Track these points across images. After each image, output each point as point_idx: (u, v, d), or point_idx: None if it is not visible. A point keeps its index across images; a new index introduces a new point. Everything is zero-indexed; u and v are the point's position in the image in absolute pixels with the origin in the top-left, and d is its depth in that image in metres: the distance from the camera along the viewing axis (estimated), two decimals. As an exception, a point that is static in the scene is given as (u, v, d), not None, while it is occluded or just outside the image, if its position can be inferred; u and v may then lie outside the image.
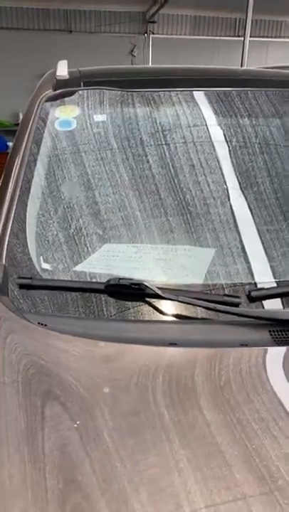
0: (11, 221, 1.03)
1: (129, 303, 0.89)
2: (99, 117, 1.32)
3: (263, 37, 8.39)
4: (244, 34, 4.42)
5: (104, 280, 0.93)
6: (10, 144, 6.06)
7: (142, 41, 8.51)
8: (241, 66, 4.63)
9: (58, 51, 8.20)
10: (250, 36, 8.86)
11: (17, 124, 8.45)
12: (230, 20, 8.81)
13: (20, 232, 1.02)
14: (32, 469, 0.55)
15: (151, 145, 1.24)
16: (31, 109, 1.35)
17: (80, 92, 1.39)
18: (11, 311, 0.83)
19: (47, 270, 0.98)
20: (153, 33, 8.51)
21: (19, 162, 1.16)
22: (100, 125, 1.29)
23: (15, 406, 0.64)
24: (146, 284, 0.85)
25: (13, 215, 1.04)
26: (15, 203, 1.06)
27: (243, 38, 8.62)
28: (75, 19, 8.19)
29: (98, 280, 0.95)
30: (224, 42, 8.85)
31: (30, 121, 1.28)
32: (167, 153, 1.21)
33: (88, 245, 1.03)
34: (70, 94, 1.39)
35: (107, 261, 1.03)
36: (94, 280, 0.95)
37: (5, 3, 7.70)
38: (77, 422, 0.61)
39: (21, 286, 0.92)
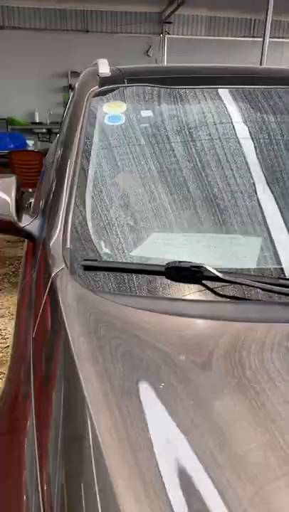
0: (72, 209, 1.10)
1: (188, 285, 0.95)
2: (145, 113, 1.38)
3: (278, 38, 8.42)
4: (263, 35, 4.46)
5: (161, 263, 1.00)
6: (29, 142, 6.16)
7: (157, 41, 8.58)
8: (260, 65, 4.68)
9: (74, 51, 8.34)
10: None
11: (33, 123, 8.47)
12: (245, 21, 8.86)
13: (81, 218, 1.09)
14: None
15: (196, 139, 1.30)
16: (80, 105, 1.42)
17: (125, 88, 1.46)
18: (83, 288, 0.90)
19: (107, 254, 1.04)
20: (168, 34, 8.58)
21: (74, 154, 1.22)
22: (147, 120, 1.36)
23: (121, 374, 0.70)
24: (206, 266, 0.91)
25: (73, 203, 1.11)
26: (74, 192, 1.13)
27: (262, 39, 8.71)
28: (92, 19, 8.28)
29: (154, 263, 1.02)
30: (239, 42, 8.89)
31: (81, 117, 1.35)
32: (211, 147, 1.27)
33: (142, 232, 1.09)
34: (116, 90, 1.45)
35: (160, 247, 1.09)
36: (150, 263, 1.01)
37: (23, 3, 7.83)
38: (162, 384, 0.67)
39: (86, 268, 0.98)
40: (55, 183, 1.22)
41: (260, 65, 4.67)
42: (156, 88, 1.44)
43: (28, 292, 1.10)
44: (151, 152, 1.24)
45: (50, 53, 8.19)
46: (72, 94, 2.06)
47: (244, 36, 8.97)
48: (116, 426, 0.61)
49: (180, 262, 0.94)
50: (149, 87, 1.45)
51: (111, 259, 1.02)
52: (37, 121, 8.38)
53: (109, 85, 1.48)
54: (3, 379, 1.18)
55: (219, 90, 1.43)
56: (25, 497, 0.63)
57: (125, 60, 8.08)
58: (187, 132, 1.33)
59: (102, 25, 8.36)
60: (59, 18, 8.16)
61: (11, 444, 0.74)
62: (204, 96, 1.41)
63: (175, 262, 0.94)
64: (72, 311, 0.83)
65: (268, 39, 4.47)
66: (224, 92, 1.42)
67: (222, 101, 1.40)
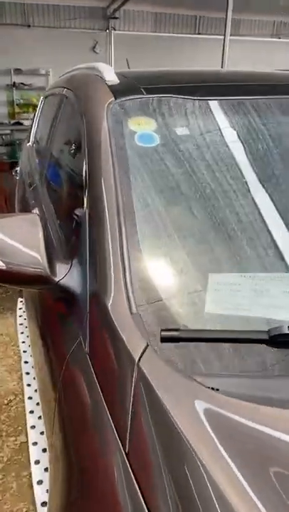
0: (126, 259, 0.87)
1: None
2: (181, 130, 1.18)
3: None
4: (224, 33, 4.38)
5: (255, 325, 0.82)
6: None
7: (103, 37, 8.29)
8: (222, 65, 4.60)
9: (16, 47, 7.83)
10: (209, 34, 8.92)
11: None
12: (190, 18, 8.82)
13: (141, 271, 0.87)
14: None
15: (246, 156, 1.12)
16: (97, 121, 1.18)
17: (148, 100, 1.24)
18: (174, 370, 0.69)
19: (182, 316, 0.84)
20: (114, 30, 8.32)
21: (112, 183, 0.99)
22: (186, 139, 1.16)
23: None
24: None
25: (126, 251, 0.89)
26: (124, 236, 0.91)
27: (208, 36, 8.71)
28: (33, 13, 7.82)
29: (243, 326, 0.83)
30: (185, 39, 8.84)
31: (105, 136, 1.12)
32: (269, 166, 1.10)
33: (221, 283, 0.89)
34: (137, 103, 1.23)
35: (230, 298, 0.90)
36: (244, 327, 0.82)
37: None
38: None
39: (164, 339, 0.77)
40: (90, 223, 0.98)
41: (222, 63, 4.58)
42: (185, 100, 1.24)
43: (77, 374, 0.85)
44: (200, 178, 1.04)
45: (-11, 49, 7.64)
46: (62, 103, 1.80)
47: (190, 33, 8.93)
48: None
49: None
50: (177, 99, 1.24)
51: (190, 325, 0.82)
52: (-21, 122, 7.81)
53: (126, 96, 1.25)
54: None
55: (263, 101, 1.25)
56: None
57: (72, 56, 7.76)
58: (230, 150, 1.14)
59: (44, 20, 7.93)
60: (-3, 11, 7.63)
61: None
62: (241, 108, 1.24)
63: (281, 327, 0.76)
64: (185, 414, 0.62)
65: (228, 37, 4.38)
66: (272, 104, 1.25)
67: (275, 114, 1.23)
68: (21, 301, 2.61)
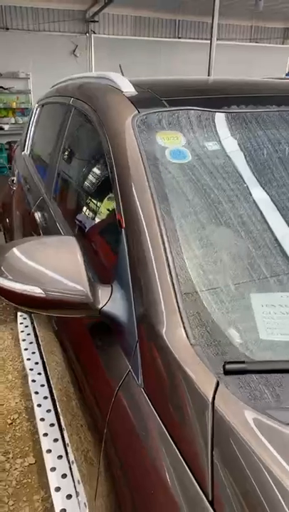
0: (177, 285, 0.83)
1: None
2: (212, 145, 1.15)
3: (205, 39, 8.50)
4: (211, 37, 4.39)
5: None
6: None
7: (83, 41, 8.22)
8: (208, 68, 4.61)
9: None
10: (190, 38, 8.96)
11: None
12: (170, 22, 8.84)
13: (194, 295, 0.83)
14: None
15: (282, 171, 1.09)
16: (124, 136, 1.14)
17: (172, 113, 1.20)
18: (251, 408, 0.65)
19: (243, 345, 0.80)
20: (94, 33, 8.27)
21: (151, 205, 0.95)
22: (218, 155, 1.12)
23: None
24: None
25: (175, 274, 0.84)
26: (171, 260, 0.87)
27: (189, 40, 8.76)
28: (11, 16, 7.69)
29: None
30: (165, 43, 8.86)
31: (137, 153, 1.07)
32: None
33: (259, 303, 0.86)
34: (162, 116, 1.19)
35: (280, 321, 0.87)
36: None
37: None
38: None
39: (229, 372, 0.73)
40: (129, 241, 0.94)
41: (209, 67, 4.59)
42: (212, 113, 1.21)
43: (131, 411, 0.79)
44: (241, 196, 1.01)
45: None
46: (68, 113, 1.73)
47: (169, 37, 8.96)
48: None
49: None
50: (204, 112, 1.21)
51: (253, 355, 0.78)
52: None
53: (150, 109, 1.21)
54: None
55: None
56: None
57: (52, 59, 7.63)
58: (266, 164, 1.12)
59: (22, 23, 7.80)
60: (-26, 13, 7.47)
61: None
62: (279, 120, 1.21)
63: None
64: (276, 459, 0.58)
65: (215, 41, 4.40)
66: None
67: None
68: (21, 316, 2.53)
